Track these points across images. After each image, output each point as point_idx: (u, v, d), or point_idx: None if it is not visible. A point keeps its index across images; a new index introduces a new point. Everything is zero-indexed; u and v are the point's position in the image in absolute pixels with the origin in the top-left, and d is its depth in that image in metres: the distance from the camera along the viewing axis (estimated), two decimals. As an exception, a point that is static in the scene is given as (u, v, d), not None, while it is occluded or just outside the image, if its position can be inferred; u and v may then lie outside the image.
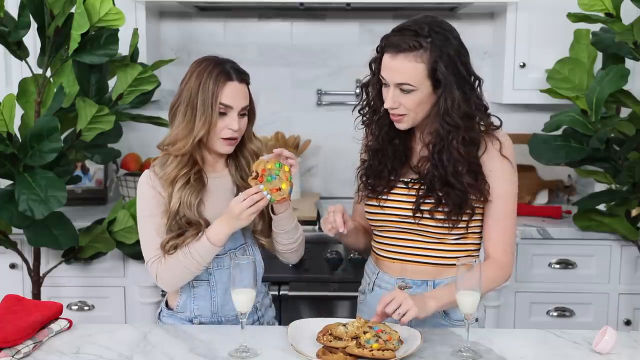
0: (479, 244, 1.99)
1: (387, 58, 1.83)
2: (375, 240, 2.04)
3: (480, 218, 1.95)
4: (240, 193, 1.86)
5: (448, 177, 1.85)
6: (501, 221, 1.92)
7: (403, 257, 1.96)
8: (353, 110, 2.02)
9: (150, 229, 1.92)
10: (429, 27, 1.81)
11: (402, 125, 1.89)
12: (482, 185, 1.88)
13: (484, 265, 1.85)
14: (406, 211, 1.93)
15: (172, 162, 1.92)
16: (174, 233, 1.90)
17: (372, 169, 1.97)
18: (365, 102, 1.98)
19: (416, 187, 1.93)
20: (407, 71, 1.80)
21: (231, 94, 1.89)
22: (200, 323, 1.99)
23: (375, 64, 1.90)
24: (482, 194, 1.88)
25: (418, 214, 1.90)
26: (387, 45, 1.83)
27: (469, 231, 1.93)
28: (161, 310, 2.07)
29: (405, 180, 1.96)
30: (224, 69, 1.90)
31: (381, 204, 1.96)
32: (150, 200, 1.93)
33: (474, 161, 1.87)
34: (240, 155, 2.01)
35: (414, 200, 1.91)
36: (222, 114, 1.89)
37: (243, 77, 1.93)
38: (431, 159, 1.88)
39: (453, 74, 1.80)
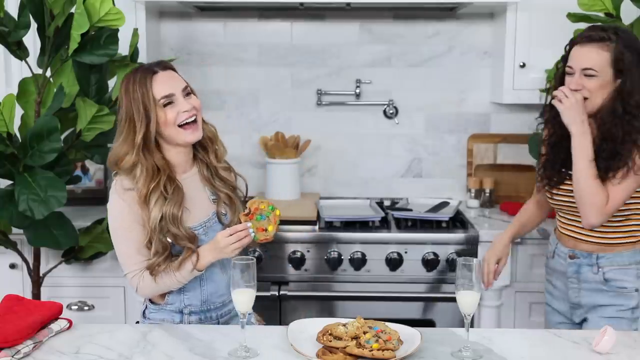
0: None
1: (576, 48, 2.12)
2: (557, 217, 2.33)
3: None
4: (227, 228, 1.93)
5: (616, 145, 2.05)
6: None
7: (574, 234, 2.23)
8: (539, 116, 2.30)
9: (128, 244, 1.95)
10: (617, 29, 2.10)
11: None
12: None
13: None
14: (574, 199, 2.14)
15: (140, 177, 1.93)
16: (161, 256, 1.91)
17: (549, 161, 2.25)
18: (548, 102, 2.22)
19: None
20: (593, 57, 2.07)
21: (163, 83, 1.93)
22: (190, 313, 2.01)
23: (562, 61, 2.18)
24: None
25: None
26: (579, 38, 2.13)
27: (631, 213, 2.15)
28: (146, 307, 2.07)
29: None
30: (143, 69, 1.94)
31: (554, 192, 2.24)
32: (126, 216, 1.94)
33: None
34: (198, 145, 2.03)
35: None
36: (168, 104, 1.92)
37: (165, 65, 1.98)
38: (598, 134, 2.09)
39: (637, 66, 2.05)
